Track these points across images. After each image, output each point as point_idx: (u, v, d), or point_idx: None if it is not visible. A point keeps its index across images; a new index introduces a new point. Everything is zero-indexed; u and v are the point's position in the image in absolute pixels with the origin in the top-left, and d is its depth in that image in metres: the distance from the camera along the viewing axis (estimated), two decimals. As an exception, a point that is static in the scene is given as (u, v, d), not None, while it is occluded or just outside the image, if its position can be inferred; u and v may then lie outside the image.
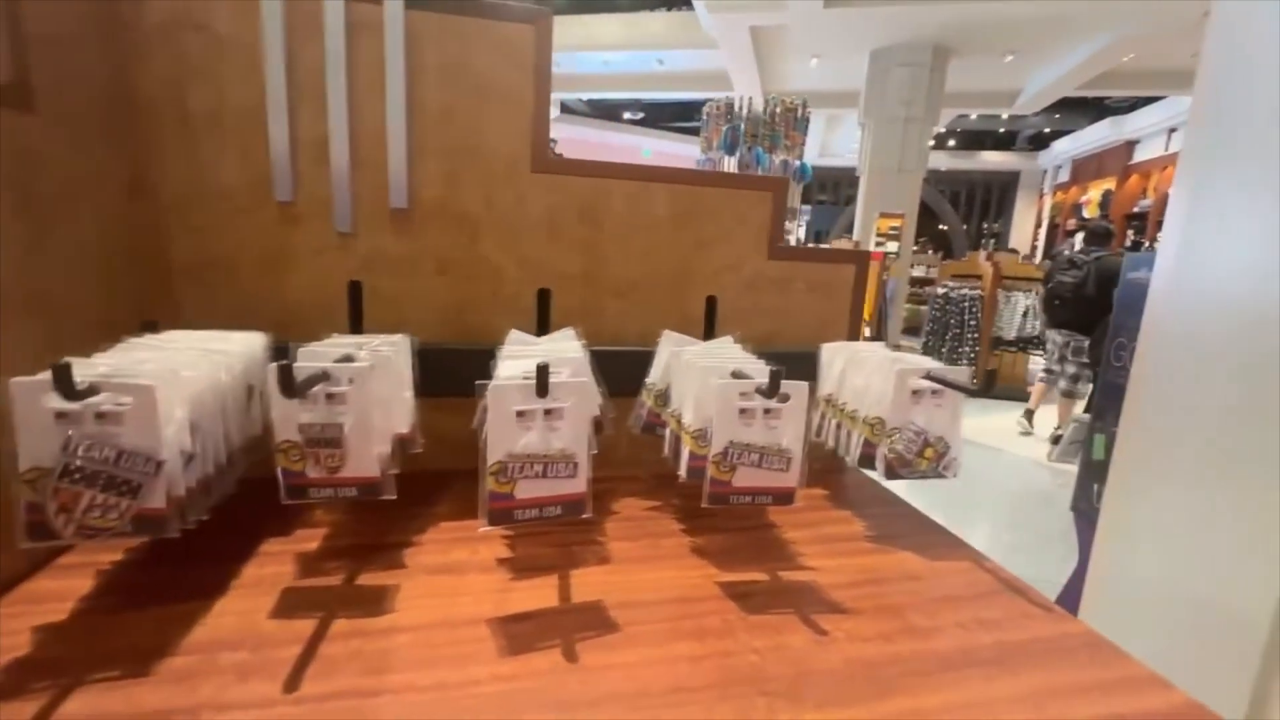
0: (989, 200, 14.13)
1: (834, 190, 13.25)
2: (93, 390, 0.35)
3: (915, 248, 7.37)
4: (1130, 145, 10.18)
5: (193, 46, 0.53)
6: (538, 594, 0.44)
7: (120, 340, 0.45)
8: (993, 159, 13.32)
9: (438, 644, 0.38)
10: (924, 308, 6.36)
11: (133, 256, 0.54)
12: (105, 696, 0.32)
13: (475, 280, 0.62)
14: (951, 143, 12.71)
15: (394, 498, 0.43)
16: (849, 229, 8.27)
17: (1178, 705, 0.36)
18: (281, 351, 0.48)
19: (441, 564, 0.47)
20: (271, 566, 0.45)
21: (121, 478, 0.36)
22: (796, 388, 0.44)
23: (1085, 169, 11.51)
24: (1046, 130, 11.75)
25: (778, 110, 2.97)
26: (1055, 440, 3.48)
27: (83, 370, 0.35)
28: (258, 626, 0.39)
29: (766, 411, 0.44)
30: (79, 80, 0.48)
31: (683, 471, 0.50)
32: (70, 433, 0.35)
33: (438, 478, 0.58)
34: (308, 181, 0.57)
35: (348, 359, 0.44)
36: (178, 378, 0.39)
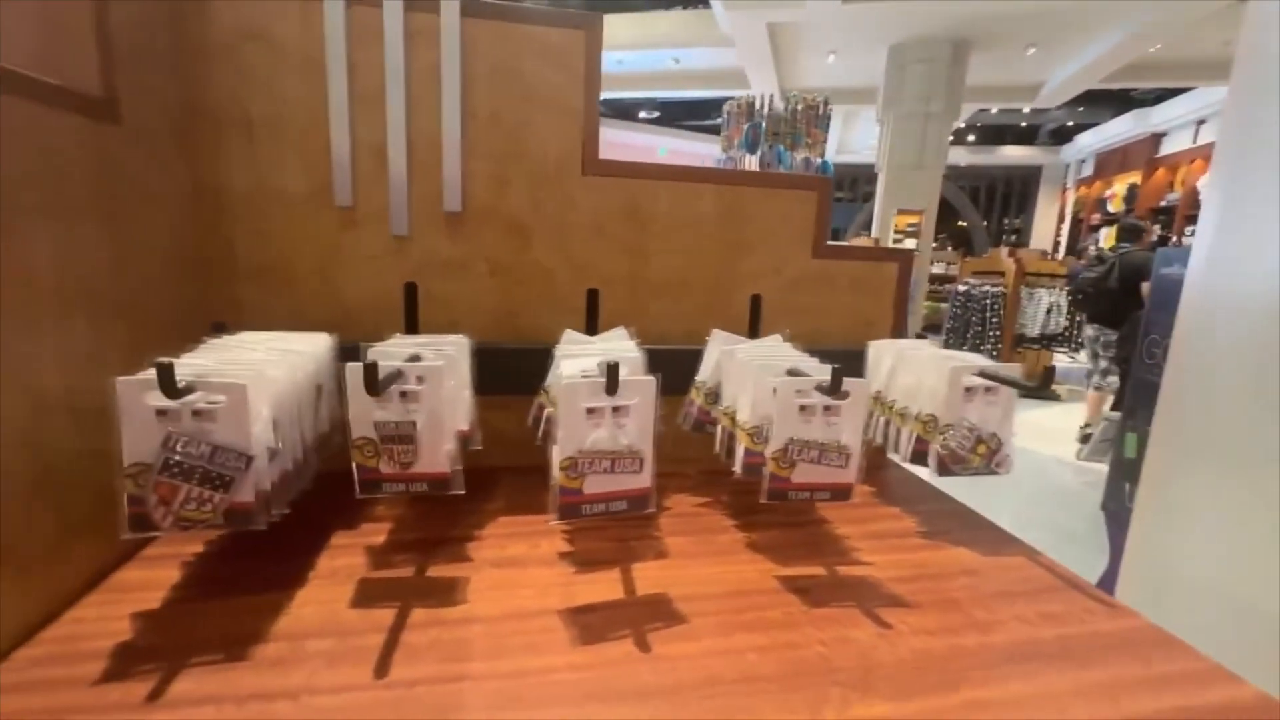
0: (1010, 196, 13.93)
1: (851, 187, 13.15)
2: (190, 389, 0.37)
3: (934, 244, 7.29)
4: (1157, 138, 9.97)
5: (257, 57, 0.55)
6: (600, 587, 0.45)
7: (199, 341, 0.47)
8: (1014, 154, 13.13)
9: (511, 634, 0.39)
10: (944, 305, 6.29)
11: (200, 260, 0.56)
12: (206, 680, 0.34)
13: (526, 281, 0.64)
14: (971, 138, 12.55)
15: (462, 493, 0.44)
16: (867, 226, 8.21)
17: (1248, 699, 0.36)
18: (349, 352, 0.50)
19: (504, 558, 0.48)
20: (344, 559, 0.47)
21: (215, 472, 0.38)
22: (857, 385, 0.45)
23: (1109, 163, 11.30)
24: (1069, 124, 11.55)
25: (799, 108, 2.95)
26: (1084, 438, 3.43)
27: (178, 370, 0.37)
28: (339, 616, 0.40)
29: (826, 409, 0.45)
30: (154, 93, 0.50)
31: (738, 468, 0.51)
32: (170, 429, 0.37)
33: (492, 473, 0.60)
34: (366, 186, 0.59)
35: (416, 358, 0.46)
36: (263, 378, 0.41)
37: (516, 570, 0.47)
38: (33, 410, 0.38)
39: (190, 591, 0.43)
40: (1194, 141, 9.02)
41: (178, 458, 0.37)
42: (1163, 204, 9.56)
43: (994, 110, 10.41)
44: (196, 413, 0.37)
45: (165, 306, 0.51)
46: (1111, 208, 10.80)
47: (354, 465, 0.43)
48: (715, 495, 0.61)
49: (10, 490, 0.36)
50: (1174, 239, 8.84)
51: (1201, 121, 8.74)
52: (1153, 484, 2.13)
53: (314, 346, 0.51)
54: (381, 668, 0.35)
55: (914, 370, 0.56)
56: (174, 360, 0.37)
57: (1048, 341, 5.16)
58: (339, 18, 0.55)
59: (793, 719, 0.33)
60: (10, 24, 0.42)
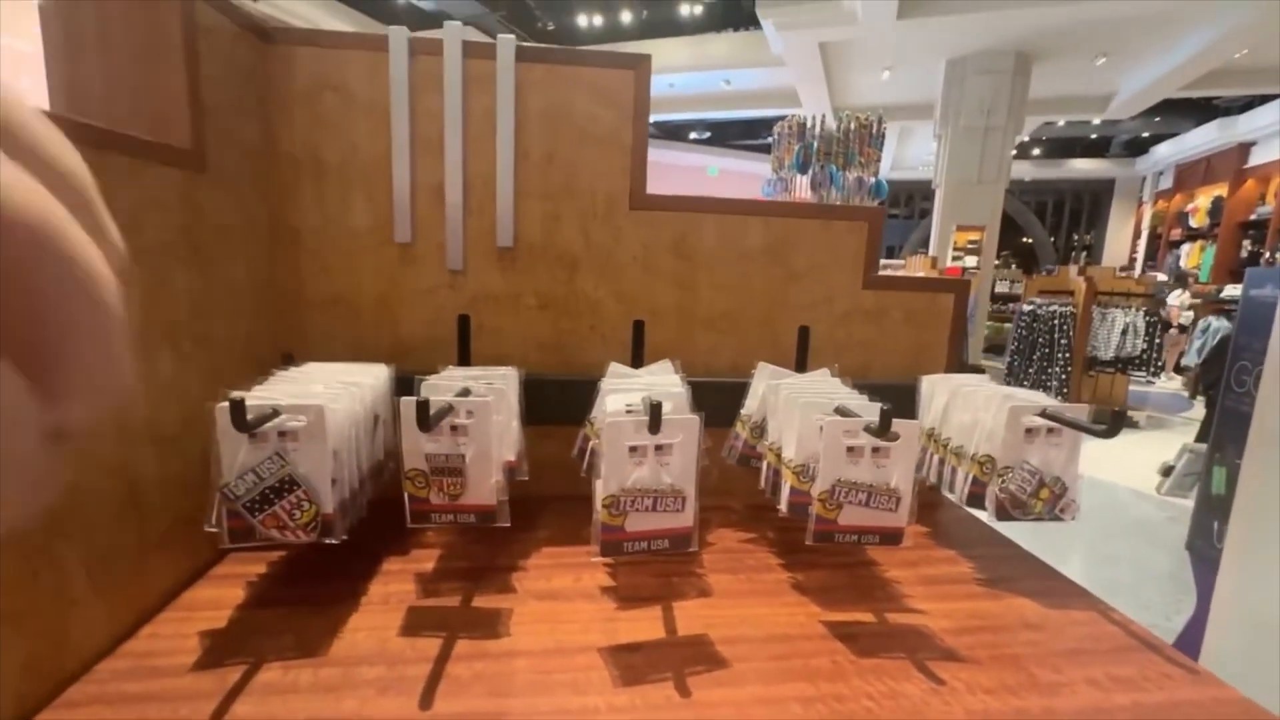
0: (1079, 211, 13.27)
1: (906, 204, 12.83)
2: (270, 416, 0.39)
3: (997, 262, 7.01)
4: (1244, 148, 9.33)
5: (330, 105, 0.59)
6: (643, 625, 0.45)
7: (268, 372, 0.50)
8: (1084, 167, 12.53)
9: (554, 670, 0.39)
10: (1007, 325, 6.03)
11: (272, 293, 0.60)
12: (267, 702, 0.36)
13: (574, 314, 0.65)
14: (1037, 151, 12.06)
15: (507, 525, 0.45)
16: (924, 244, 7.97)
17: (1356, 789, 0.32)
18: (404, 382, 0.52)
19: (548, 590, 0.49)
20: (394, 585, 0.49)
21: (301, 489, 0.40)
22: (907, 426, 0.43)
23: (1191, 174, 10.64)
24: (1145, 135, 10.96)
25: (852, 127, 2.91)
26: (1166, 471, 3.19)
27: (257, 397, 0.40)
28: (388, 644, 0.41)
29: (875, 450, 0.44)
30: (236, 139, 0.54)
31: (783, 506, 0.50)
32: (260, 450, 0.39)
33: (537, 502, 0.60)
34: (424, 224, 0.62)
35: (466, 393, 0.47)
36: (329, 410, 0.43)
37: (560, 603, 0.47)
38: (122, 437, 0.41)
39: (255, 611, 0.45)
40: (1288, 151, 8.40)
41: (267, 476, 0.39)
42: (1252, 218, 8.91)
43: (1061, 123, 9.98)
44: (282, 434, 0.40)
45: (239, 337, 0.55)
46: (1194, 222, 10.15)
47: (405, 496, 0.45)
48: (760, 532, 0.60)
49: (102, 512, 0.39)
50: (1265, 256, 8.22)
51: (1296, 129, 8.14)
52: (1245, 523, 1.96)
53: (373, 378, 0.53)
54: (426, 699, 0.36)
55: (970, 408, 0.54)
56: (250, 393, 0.40)
57: (1123, 365, 4.86)
58: (403, 67, 0.58)
59: (838, 779, 0.32)
60: (112, 86, 0.47)
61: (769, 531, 0.59)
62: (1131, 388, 4.95)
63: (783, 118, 3.11)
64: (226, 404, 0.38)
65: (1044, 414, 0.49)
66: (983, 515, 0.54)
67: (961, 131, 6.57)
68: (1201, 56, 6.18)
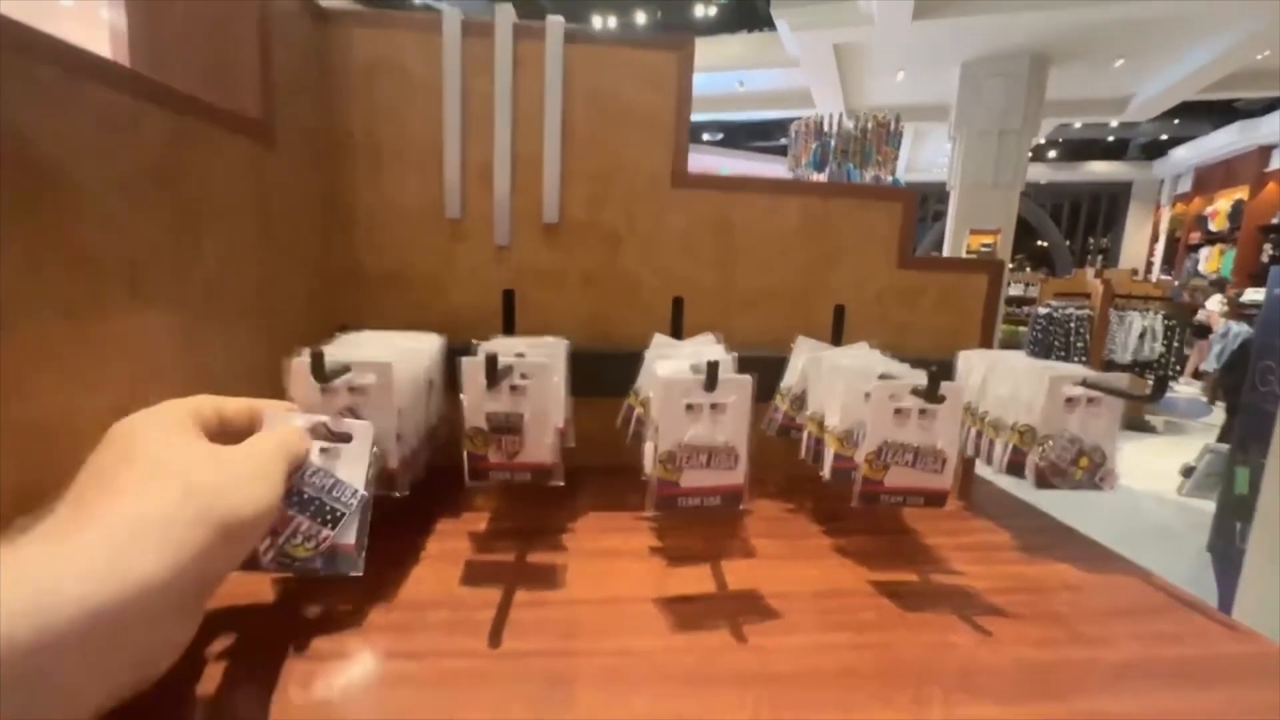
0: (1096, 214, 13.15)
1: (920, 206, 12.77)
2: (342, 371, 0.41)
3: (1012, 265, 6.97)
4: (1265, 150, 9.22)
5: (387, 86, 0.61)
6: (693, 580, 0.46)
7: (328, 338, 0.52)
8: (1101, 169, 12.41)
9: (613, 616, 0.41)
10: (1023, 328, 5.99)
11: (328, 267, 0.62)
12: (345, 641, 0.37)
13: (616, 290, 0.67)
14: (1053, 154, 11.97)
15: (562, 484, 0.47)
16: (937, 246, 7.94)
17: (1402, 733, 0.33)
18: (456, 351, 0.54)
19: (598, 549, 0.51)
20: (450, 543, 0.51)
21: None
22: (953, 389, 0.45)
23: (1211, 178, 10.51)
24: (1163, 138, 10.85)
25: (869, 126, 2.92)
26: (1187, 471, 3.16)
27: (329, 356, 0.42)
28: (453, 591, 0.43)
29: (921, 413, 0.45)
30: (299, 118, 0.57)
31: (826, 472, 0.51)
32: (330, 404, 0.41)
33: (581, 472, 0.62)
34: (473, 201, 0.64)
35: (521, 355, 0.49)
36: (396, 367, 0.45)
37: (612, 560, 0.49)
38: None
39: (320, 563, 0.47)
40: (1311, 154, 8.29)
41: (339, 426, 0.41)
42: (1274, 221, 8.79)
43: (1077, 125, 9.90)
44: (351, 389, 0.42)
45: (298, 308, 0.57)
46: (1214, 225, 10.02)
47: (465, 454, 0.46)
48: (799, 502, 0.61)
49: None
50: (1288, 259, 8.11)
51: (1319, 132, 8.04)
52: (1269, 522, 1.95)
53: (428, 345, 0.55)
54: (495, 638, 0.38)
55: (1008, 381, 0.56)
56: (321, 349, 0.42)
57: (1141, 368, 4.81)
58: (456, 48, 0.61)
59: (896, 715, 0.33)
60: (190, 56, 0.49)
61: (808, 501, 0.61)
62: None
63: (798, 119, 3.12)
64: (306, 358, 0.40)
65: (1084, 383, 0.50)
66: (1019, 487, 0.56)
67: (976, 134, 6.54)
68: (1222, 59, 6.12)
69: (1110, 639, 0.41)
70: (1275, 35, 5.54)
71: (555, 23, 0.61)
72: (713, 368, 0.42)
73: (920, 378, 0.45)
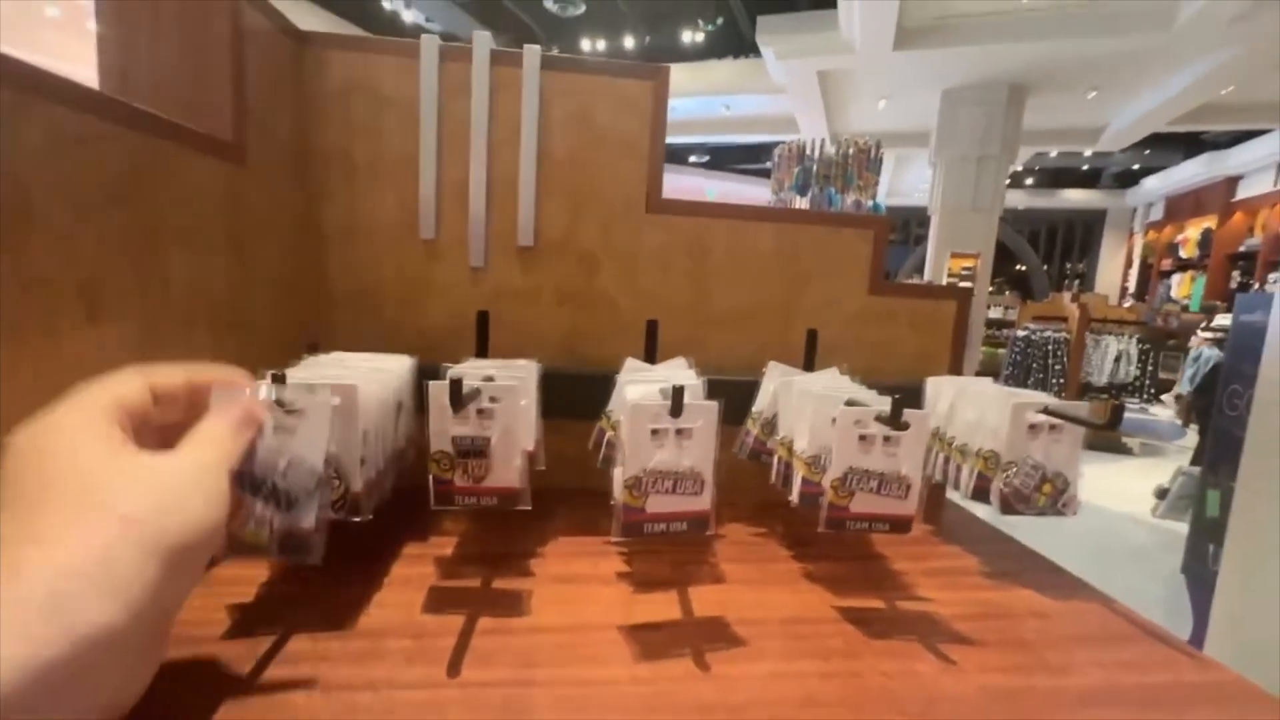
0: (1072, 239, 13.47)
1: (902, 230, 13.00)
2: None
3: (991, 289, 7.09)
4: (1232, 181, 9.53)
5: (361, 106, 0.62)
6: (660, 607, 0.46)
7: (297, 358, 0.51)
8: (1076, 197, 12.75)
9: (576, 645, 0.41)
10: (1001, 351, 6.08)
11: (301, 284, 0.62)
12: (299, 666, 0.36)
13: (591, 311, 0.67)
14: (1030, 181, 12.27)
15: (529, 508, 0.47)
16: (919, 269, 8.07)
17: (1353, 762, 0.33)
18: (427, 372, 0.54)
19: (565, 574, 0.50)
20: (416, 567, 0.50)
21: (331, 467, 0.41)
22: (917, 416, 0.45)
23: (1181, 206, 10.83)
24: (1135, 167, 11.18)
25: (850, 152, 2.98)
26: (1161, 494, 3.21)
27: (293, 378, 0.41)
28: (414, 618, 0.42)
29: (886, 440, 0.46)
30: (272, 136, 0.57)
31: (795, 497, 0.51)
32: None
33: (553, 495, 0.61)
34: (448, 221, 0.64)
35: (490, 379, 0.49)
36: (362, 390, 0.44)
37: (578, 586, 0.48)
38: (160, 414, 0.43)
39: (281, 586, 0.46)
40: (1275, 185, 8.58)
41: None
42: (1241, 249, 9.06)
43: (1053, 153, 10.18)
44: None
45: (269, 325, 0.57)
46: (1184, 253, 10.31)
47: (431, 478, 0.46)
48: (770, 526, 0.61)
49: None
50: (1255, 286, 8.34)
51: (1282, 164, 8.33)
52: (1239, 544, 1.97)
53: (399, 366, 0.55)
54: (454, 667, 0.37)
55: (975, 406, 0.56)
56: (291, 370, 0.41)
57: (1117, 391, 4.91)
58: (433, 72, 0.61)
59: (856, 745, 0.33)
60: (161, 77, 0.49)
61: (778, 526, 0.61)
62: (1126, 415, 4.99)
63: (781, 143, 3.18)
64: (268, 380, 0.40)
65: (1045, 410, 0.51)
66: (985, 512, 0.56)
67: (956, 160, 6.70)
68: (1189, 92, 6.34)
69: (1075, 666, 0.41)
70: (1237, 72, 5.77)
71: (532, 50, 0.62)
72: (678, 393, 0.42)
73: (886, 404, 0.46)
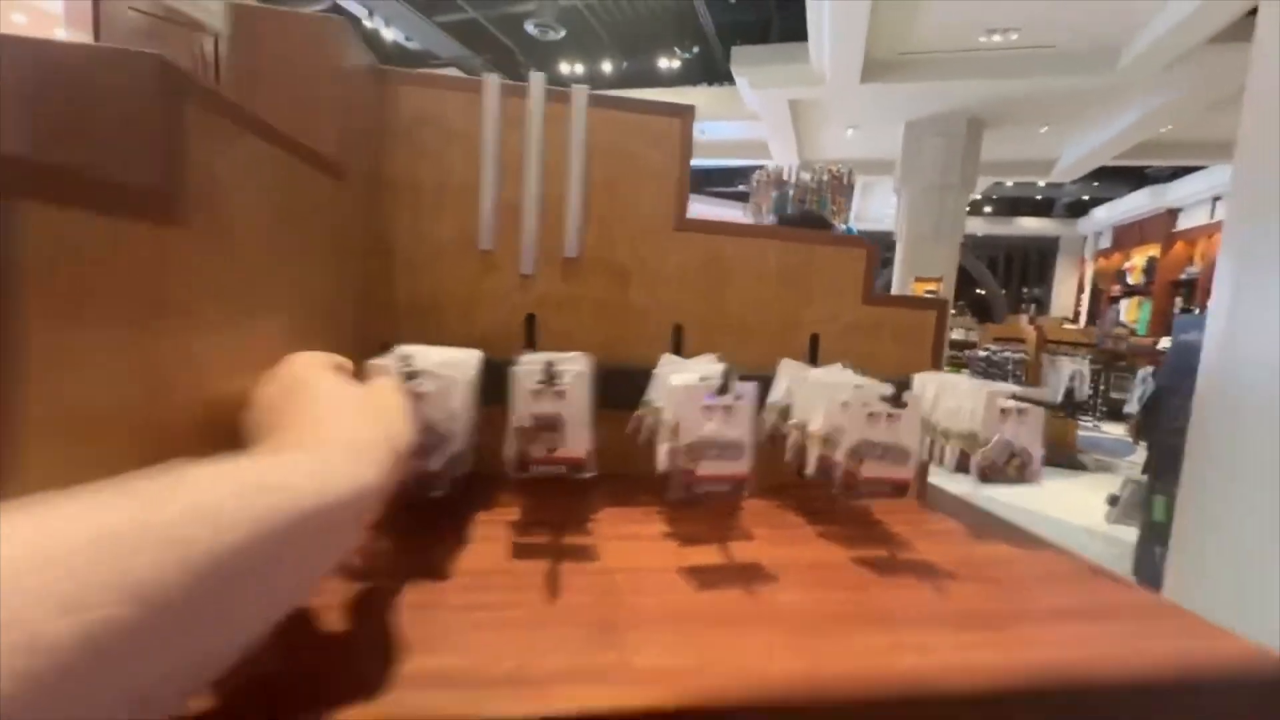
0: (1028, 265, 14.09)
1: (870, 253, 13.42)
2: (413, 376, 0.49)
3: (953, 311, 7.40)
4: (1173, 213, 10.14)
5: (430, 136, 0.71)
6: (705, 556, 0.55)
7: (379, 355, 0.60)
8: (1031, 225, 13.38)
9: (643, 579, 0.49)
10: (965, 370, 6.35)
11: (375, 295, 0.70)
12: (424, 595, 0.45)
13: (624, 318, 0.76)
14: (988, 209, 12.84)
15: (595, 474, 0.56)
16: (885, 291, 8.37)
17: (1248, 650, 0.44)
18: (492, 366, 0.62)
19: (620, 534, 0.59)
20: (493, 529, 0.58)
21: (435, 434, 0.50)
22: (912, 397, 0.56)
23: (1127, 236, 11.46)
24: (1085, 198, 11.81)
25: (825, 178, 3.16)
26: (1113, 501, 3.41)
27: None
28: (506, 563, 0.51)
29: (888, 416, 0.56)
30: (358, 161, 0.65)
31: (811, 469, 0.61)
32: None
33: (598, 478, 0.71)
34: (503, 235, 0.73)
35: (555, 368, 0.58)
36: (458, 377, 0.53)
37: (633, 542, 0.57)
38: (291, 392, 0.51)
39: (385, 546, 0.53)
40: (1210, 217, 9.18)
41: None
42: (1182, 277, 9.63)
43: (1009, 183, 10.69)
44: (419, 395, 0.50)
45: (349, 331, 0.65)
46: (1131, 279, 10.88)
47: (513, 450, 0.55)
48: (784, 500, 0.71)
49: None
50: (1196, 311, 8.86)
51: (1217, 198, 8.92)
52: (1184, 546, 2.14)
53: (470, 358, 0.63)
54: (552, 592, 0.46)
55: (955, 396, 0.67)
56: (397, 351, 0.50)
57: (1072, 410, 5.18)
58: (495, 107, 0.71)
59: (878, 640, 0.42)
60: (282, 103, 0.58)
61: (791, 500, 0.71)
62: (1080, 433, 5.26)
63: (757, 168, 3.35)
64: (390, 358, 0.48)
65: (1014, 396, 0.62)
66: (965, 484, 0.67)
67: (919, 189, 7.01)
68: (1131, 130, 6.79)
69: (1037, 594, 0.52)
70: (1175, 112, 6.23)
71: (580, 91, 0.72)
72: (728, 373, 0.52)
73: (887, 389, 0.56)
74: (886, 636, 0.43)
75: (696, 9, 7.03)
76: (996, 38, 5.44)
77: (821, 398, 0.61)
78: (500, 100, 0.71)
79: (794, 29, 6.02)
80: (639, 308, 0.77)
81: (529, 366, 0.54)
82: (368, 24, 7.48)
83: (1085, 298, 12.67)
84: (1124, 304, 11.13)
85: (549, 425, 0.55)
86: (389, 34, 7.80)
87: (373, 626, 0.40)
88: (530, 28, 7.56)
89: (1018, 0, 4.80)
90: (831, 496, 0.59)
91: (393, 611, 0.42)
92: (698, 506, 0.65)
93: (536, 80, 0.71)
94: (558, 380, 0.55)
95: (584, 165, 0.73)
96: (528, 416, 0.55)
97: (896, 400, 0.55)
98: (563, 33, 7.62)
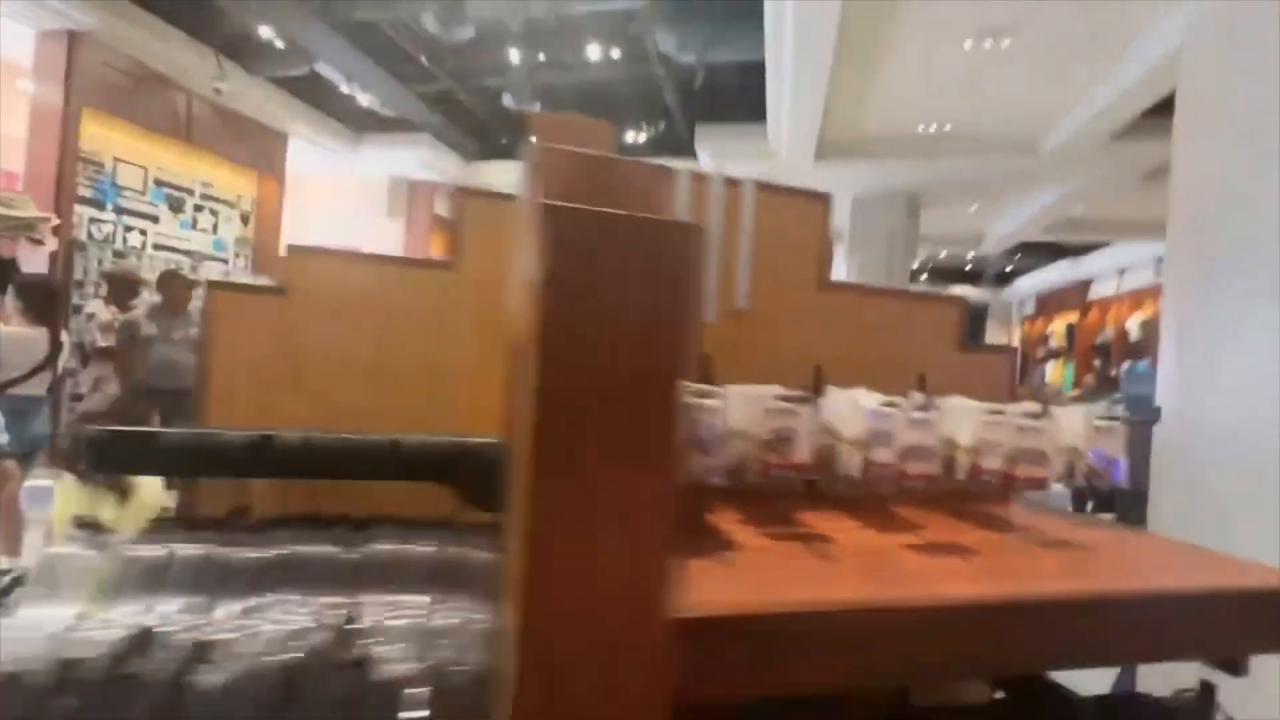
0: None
1: (818, 316, 14.16)
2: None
3: (906, 369, 7.86)
4: (1086, 284, 11.25)
5: (635, 210, 0.88)
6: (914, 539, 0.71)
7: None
8: (964, 292, 14.51)
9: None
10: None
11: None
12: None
13: (777, 361, 0.93)
14: (924, 277, 13.87)
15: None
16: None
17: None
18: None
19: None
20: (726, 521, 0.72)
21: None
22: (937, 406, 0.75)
23: (1049, 303, 12.55)
24: (1009, 269, 12.94)
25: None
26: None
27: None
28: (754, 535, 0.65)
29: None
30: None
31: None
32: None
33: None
34: (687, 291, 0.89)
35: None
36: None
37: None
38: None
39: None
40: (1117, 289, 10.25)
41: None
42: (1099, 341, 10.61)
43: (943, 254, 11.63)
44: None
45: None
46: (1054, 343, 11.87)
47: (758, 458, 0.69)
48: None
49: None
50: (1112, 372, 9.74)
51: (1123, 270, 10.00)
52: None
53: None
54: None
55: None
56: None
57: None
58: (685, 190, 0.89)
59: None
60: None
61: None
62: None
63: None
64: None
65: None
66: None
67: (868, 257, 7.58)
68: (1049, 209, 7.65)
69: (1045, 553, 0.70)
70: (1087, 195, 7.11)
71: (750, 180, 0.91)
72: (818, 375, 0.69)
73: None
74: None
75: (663, 91, 7.60)
76: (932, 128, 6.14)
77: (860, 411, 0.78)
78: (690, 185, 0.89)
79: (754, 109, 6.59)
80: (786, 354, 0.94)
81: (770, 389, 0.69)
82: (345, 89, 7.67)
83: (1015, 360, 13.71)
84: (1049, 365, 12.12)
85: (784, 439, 0.70)
86: (364, 99, 7.99)
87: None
88: (507, 101, 7.93)
89: (949, 97, 5.46)
90: (984, 498, 0.76)
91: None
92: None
93: (716, 175, 0.90)
94: (794, 403, 0.71)
95: (751, 236, 0.91)
96: (769, 431, 0.70)
97: (926, 409, 0.73)
98: (538, 106, 8.04)
